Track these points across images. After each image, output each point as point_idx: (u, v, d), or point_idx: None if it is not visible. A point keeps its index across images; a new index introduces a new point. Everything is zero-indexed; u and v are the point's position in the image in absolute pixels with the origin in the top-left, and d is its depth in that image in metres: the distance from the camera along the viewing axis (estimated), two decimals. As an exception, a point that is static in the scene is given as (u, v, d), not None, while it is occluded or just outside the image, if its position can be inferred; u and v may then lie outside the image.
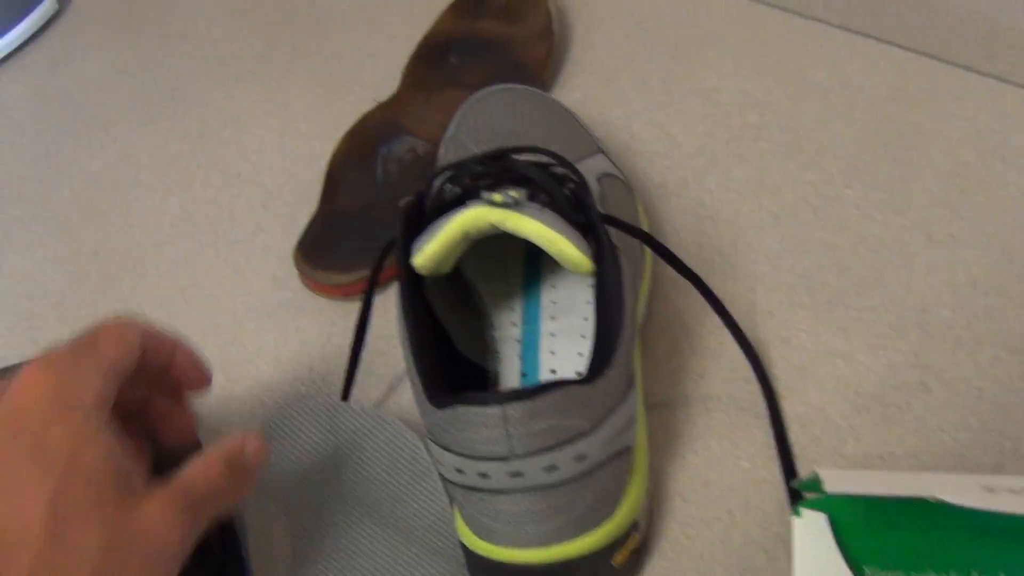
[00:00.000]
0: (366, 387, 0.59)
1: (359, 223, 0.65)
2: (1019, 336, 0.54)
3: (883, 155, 0.63)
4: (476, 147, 0.59)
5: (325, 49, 0.80)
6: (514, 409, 0.41)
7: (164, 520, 0.38)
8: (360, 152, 0.68)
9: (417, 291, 0.48)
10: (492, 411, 0.42)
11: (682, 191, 0.64)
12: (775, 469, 0.52)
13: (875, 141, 0.64)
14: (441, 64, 0.72)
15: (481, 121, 0.61)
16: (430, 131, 0.68)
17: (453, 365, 0.52)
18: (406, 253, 0.48)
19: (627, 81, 0.71)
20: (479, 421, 0.42)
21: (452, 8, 0.76)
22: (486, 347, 0.55)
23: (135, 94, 0.82)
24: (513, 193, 0.47)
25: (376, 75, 0.76)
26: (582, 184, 0.49)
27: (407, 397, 0.58)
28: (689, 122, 0.68)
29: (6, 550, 0.35)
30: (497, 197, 0.46)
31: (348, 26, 0.82)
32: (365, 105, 0.71)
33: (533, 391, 0.42)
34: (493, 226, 0.47)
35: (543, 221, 0.46)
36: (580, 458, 0.43)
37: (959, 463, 0.50)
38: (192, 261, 0.69)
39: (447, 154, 0.60)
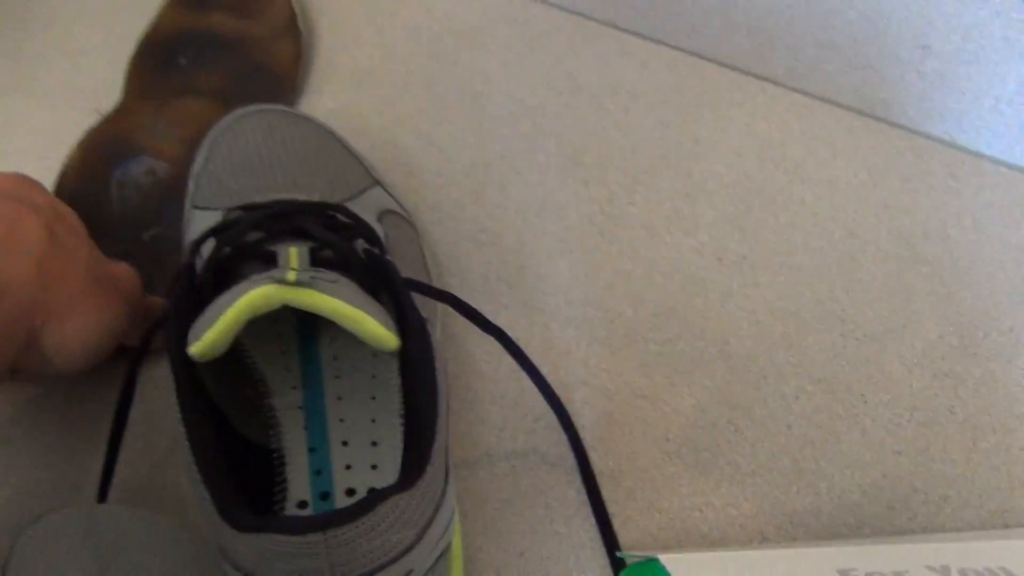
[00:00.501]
0: (124, 462, 0.51)
1: (94, 264, 0.56)
2: (821, 365, 0.53)
3: (664, 167, 0.60)
4: (233, 182, 0.52)
5: (26, 48, 0.69)
6: (337, 535, 0.36)
7: (131, 276, 0.51)
8: (92, 174, 0.59)
9: (194, 383, 0.41)
10: (313, 539, 0.35)
11: (459, 214, 0.59)
12: (593, 531, 0.49)
13: (654, 152, 0.61)
14: (170, 67, 0.64)
15: (236, 150, 0.53)
16: (170, 149, 0.59)
17: (231, 449, 0.45)
18: (180, 341, 0.40)
19: (386, 86, 0.65)
20: (297, 551, 0.36)
21: (176, -1, 0.67)
22: (265, 421, 0.48)
23: None
24: (295, 264, 0.41)
25: (94, 79, 0.66)
26: (380, 248, 0.43)
27: (174, 475, 0.51)
28: (458, 132, 0.63)
29: (19, 247, 0.43)
30: (290, 275, 0.39)
31: (54, 19, 0.71)
32: (84, 117, 0.62)
33: (355, 511, 0.36)
34: (284, 304, 0.40)
35: (342, 297, 0.40)
36: (408, 573, 0.38)
37: (776, 508, 0.49)
38: None
39: (200, 191, 0.52)
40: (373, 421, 0.48)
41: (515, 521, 0.49)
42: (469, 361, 0.53)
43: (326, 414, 0.48)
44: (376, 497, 0.37)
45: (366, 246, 0.45)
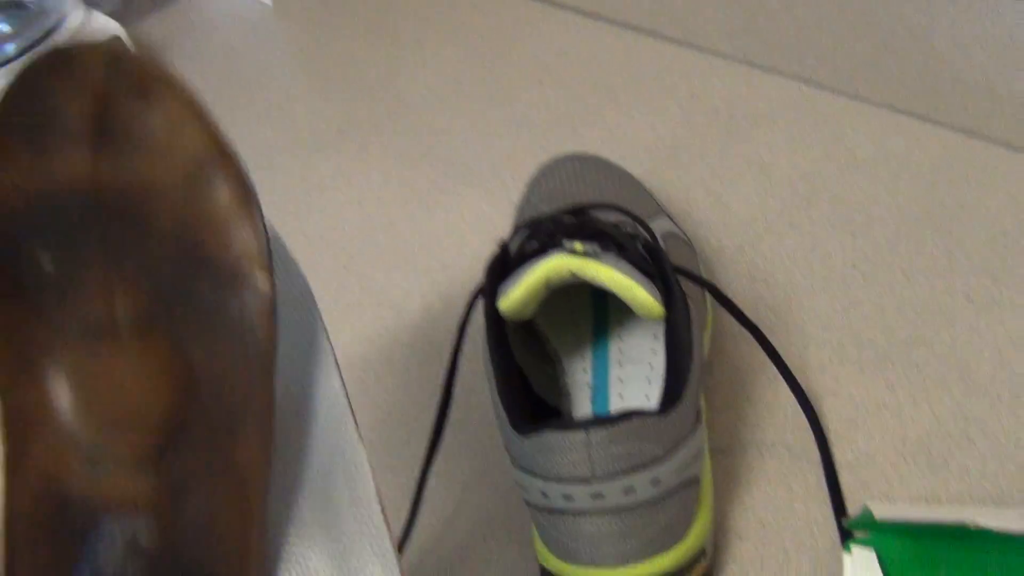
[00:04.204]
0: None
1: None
2: (1057, 392, 0.58)
3: (927, 226, 0.68)
4: (546, 207, 0.64)
5: (399, 125, 0.86)
6: (596, 434, 0.46)
7: None
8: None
9: (502, 333, 0.53)
10: (576, 436, 0.46)
11: (738, 256, 0.69)
12: (827, 511, 0.56)
13: (919, 213, 0.68)
14: (26, 287, 0.32)
15: (553, 186, 0.66)
16: (133, 484, 0.28)
17: (531, 406, 0.56)
18: (492, 298, 0.53)
19: (685, 155, 0.76)
20: (564, 445, 0.46)
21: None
22: (559, 391, 0.59)
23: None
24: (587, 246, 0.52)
25: (446, 151, 0.82)
26: (652, 238, 0.54)
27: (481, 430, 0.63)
28: (744, 193, 0.73)
29: None
30: (578, 246, 0.51)
31: (422, 105, 0.88)
32: (437, 176, 0.77)
33: (612, 419, 0.46)
34: (572, 274, 0.51)
35: (618, 269, 0.51)
36: (655, 482, 0.47)
37: (1000, 504, 0.54)
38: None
39: (522, 218, 0.65)
40: (647, 397, 0.58)
41: (759, 498, 0.57)
42: (733, 370, 0.62)
43: (609, 391, 0.58)
44: (633, 413, 0.46)
45: (646, 244, 0.56)
